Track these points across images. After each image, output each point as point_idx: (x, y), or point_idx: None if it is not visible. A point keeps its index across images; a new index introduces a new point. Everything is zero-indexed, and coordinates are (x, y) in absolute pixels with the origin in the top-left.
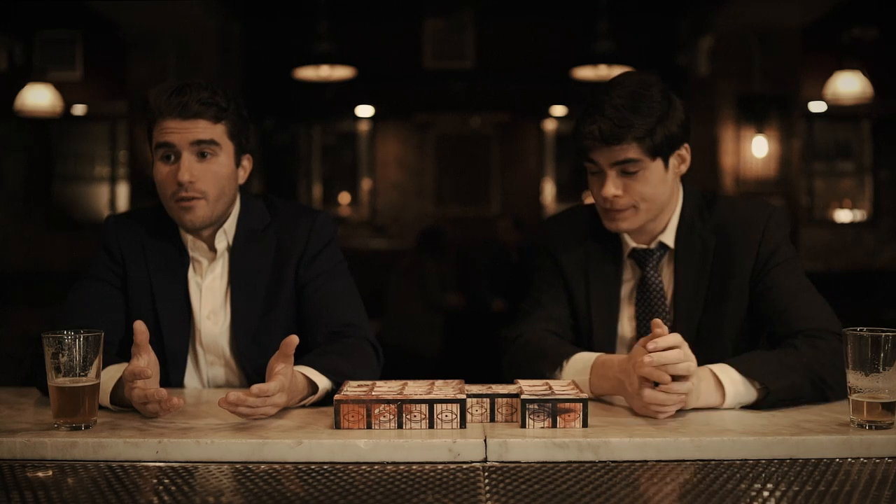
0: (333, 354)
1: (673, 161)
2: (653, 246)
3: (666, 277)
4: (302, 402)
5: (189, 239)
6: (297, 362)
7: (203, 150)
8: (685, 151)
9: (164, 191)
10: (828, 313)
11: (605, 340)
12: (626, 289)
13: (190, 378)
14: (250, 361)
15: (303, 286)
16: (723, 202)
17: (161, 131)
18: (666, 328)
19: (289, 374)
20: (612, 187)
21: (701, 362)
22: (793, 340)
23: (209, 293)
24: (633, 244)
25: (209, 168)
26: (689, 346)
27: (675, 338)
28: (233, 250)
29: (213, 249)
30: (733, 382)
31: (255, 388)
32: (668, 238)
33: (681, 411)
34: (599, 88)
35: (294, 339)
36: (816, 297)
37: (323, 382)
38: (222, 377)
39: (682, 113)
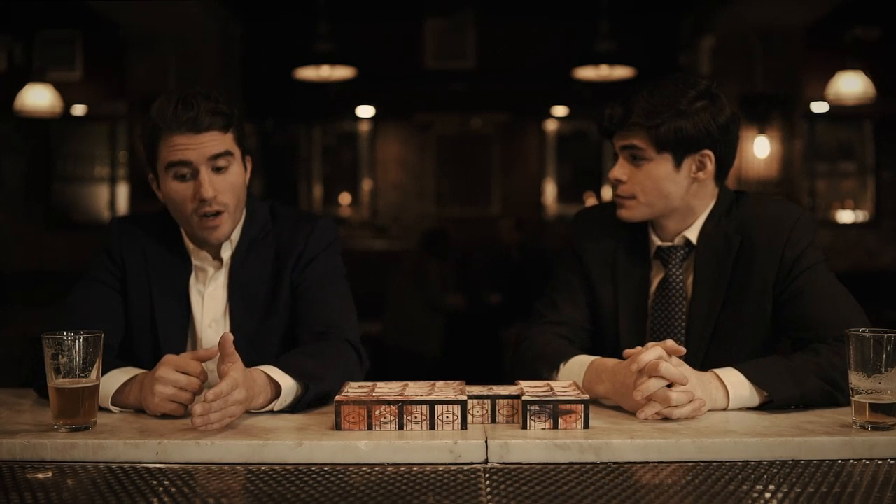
0: (301, 354)
1: (688, 162)
2: (677, 242)
3: (690, 278)
4: (270, 406)
5: (192, 248)
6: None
7: (219, 163)
8: (708, 160)
9: (184, 208)
10: (857, 317)
11: (632, 341)
12: (651, 289)
13: None
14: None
15: (295, 290)
16: (749, 200)
17: (173, 148)
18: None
19: (240, 370)
20: (617, 169)
21: (716, 363)
22: (816, 346)
23: (211, 301)
24: (658, 242)
25: (226, 180)
26: (704, 345)
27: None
28: (233, 259)
29: (217, 259)
30: (737, 386)
31: (210, 393)
32: (693, 234)
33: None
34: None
35: (228, 337)
36: (845, 301)
37: (286, 381)
38: None
39: (711, 121)
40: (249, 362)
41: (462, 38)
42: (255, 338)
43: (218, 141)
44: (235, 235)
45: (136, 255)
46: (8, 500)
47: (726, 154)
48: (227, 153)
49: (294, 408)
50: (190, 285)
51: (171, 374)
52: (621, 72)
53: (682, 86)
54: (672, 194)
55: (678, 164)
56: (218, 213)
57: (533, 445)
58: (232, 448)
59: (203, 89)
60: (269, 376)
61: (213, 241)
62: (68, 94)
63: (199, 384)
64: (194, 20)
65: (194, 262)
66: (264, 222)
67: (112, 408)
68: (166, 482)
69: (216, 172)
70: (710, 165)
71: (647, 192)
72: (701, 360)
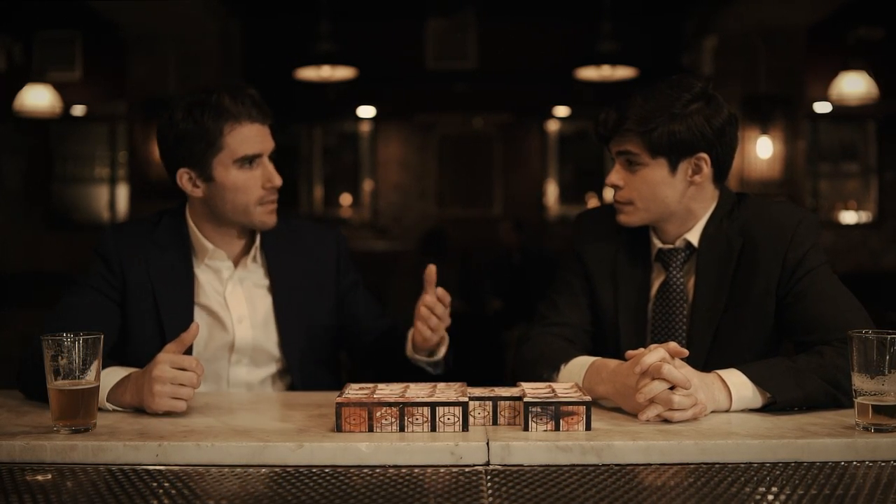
0: None
1: (684, 166)
2: (678, 244)
3: (691, 280)
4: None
5: (210, 248)
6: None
7: (271, 154)
8: (703, 163)
9: (249, 196)
10: (860, 319)
11: (633, 343)
12: (652, 291)
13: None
14: (297, 363)
15: (344, 294)
16: (751, 202)
17: (246, 139)
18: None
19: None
20: (613, 175)
21: (718, 365)
22: (820, 347)
23: (232, 297)
24: (659, 244)
25: (276, 170)
26: (706, 347)
27: (658, 353)
28: (270, 260)
29: (233, 259)
30: (740, 387)
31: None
32: (694, 236)
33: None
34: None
35: (431, 268)
36: (848, 303)
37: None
38: (242, 377)
39: (706, 124)
40: (301, 355)
41: (463, 38)
42: (302, 334)
43: (270, 134)
44: (257, 238)
45: (134, 261)
46: (7, 502)
47: (723, 156)
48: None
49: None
50: (196, 286)
51: (168, 372)
52: (623, 72)
53: (676, 89)
54: (669, 199)
55: (673, 168)
56: (275, 200)
57: (534, 447)
58: (232, 450)
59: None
60: None
61: (270, 226)
62: (68, 95)
63: (196, 378)
64: (194, 20)
65: (207, 261)
66: (277, 228)
67: (107, 405)
68: (166, 484)
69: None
70: (707, 168)
71: (644, 197)
72: (702, 362)
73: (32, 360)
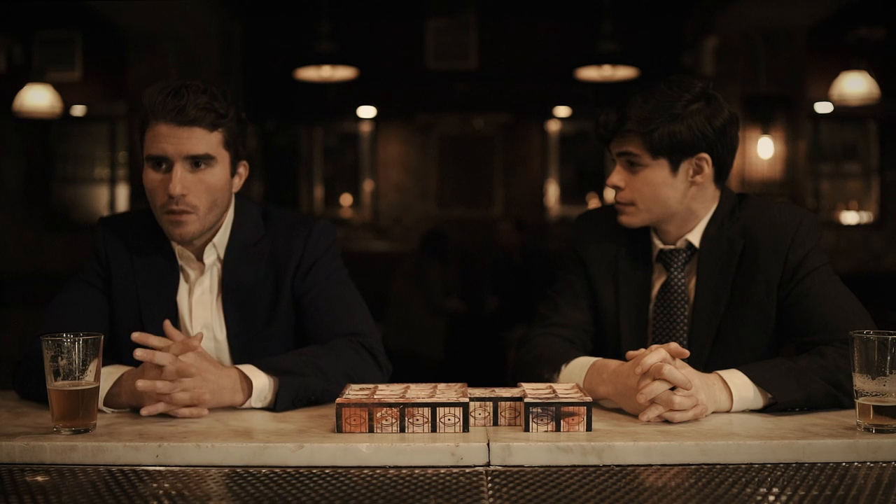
0: (291, 353)
1: (685, 167)
2: (679, 245)
3: (692, 281)
4: (248, 403)
5: (177, 248)
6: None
7: (197, 160)
8: (705, 163)
9: (154, 199)
10: (861, 320)
11: (634, 344)
12: (653, 292)
13: None
14: None
15: (299, 298)
16: (752, 203)
17: (154, 137)
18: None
19: (196, 360)
20: (614, 176)
21: (719, 366)
22: (822, 348)
23: (199, 305)
24: (660, 245)
25: (202, 179)
26: (707, 348)
27: (659, 353)
28: (225, 264)
29: (200, 261)
30: (741, 387)
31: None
32: (695, 237)
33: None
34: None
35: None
36: (849, 304)
37: (260, 380)
38: None
39: (706, 124)
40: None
41: (464, 38)
42: (253, 345)
43: (200, 140)
44: (222, 240)
45: (121, 256)
46: (7, 503)
47: (724, 156)
48: (207, 156)
49: (277, 405)
50: (179, 286)
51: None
52: (624, 72)
53: (676, 90)
54: (670, 199)
55: (674, 168)
56: (184, 212)
57: (535, 448)
58: (232, 451)
59: (202, 83)
60: (242, 374)
61: (176, 238)
62: (68, 95)
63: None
64: (194, 20)
65: (179, 262)
66: (255, 227)
67: (105, 409)
68: (166, 485)
69: (193, 169)
70: (708, 169)
71: (645, 198)
72: (703, 363)
73: (28, 360)
